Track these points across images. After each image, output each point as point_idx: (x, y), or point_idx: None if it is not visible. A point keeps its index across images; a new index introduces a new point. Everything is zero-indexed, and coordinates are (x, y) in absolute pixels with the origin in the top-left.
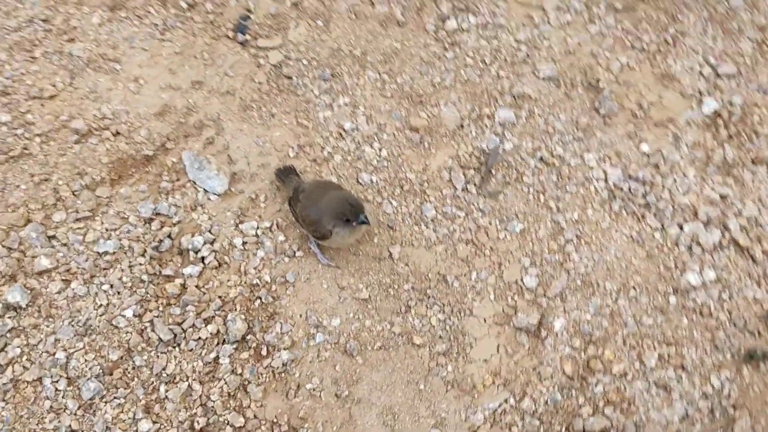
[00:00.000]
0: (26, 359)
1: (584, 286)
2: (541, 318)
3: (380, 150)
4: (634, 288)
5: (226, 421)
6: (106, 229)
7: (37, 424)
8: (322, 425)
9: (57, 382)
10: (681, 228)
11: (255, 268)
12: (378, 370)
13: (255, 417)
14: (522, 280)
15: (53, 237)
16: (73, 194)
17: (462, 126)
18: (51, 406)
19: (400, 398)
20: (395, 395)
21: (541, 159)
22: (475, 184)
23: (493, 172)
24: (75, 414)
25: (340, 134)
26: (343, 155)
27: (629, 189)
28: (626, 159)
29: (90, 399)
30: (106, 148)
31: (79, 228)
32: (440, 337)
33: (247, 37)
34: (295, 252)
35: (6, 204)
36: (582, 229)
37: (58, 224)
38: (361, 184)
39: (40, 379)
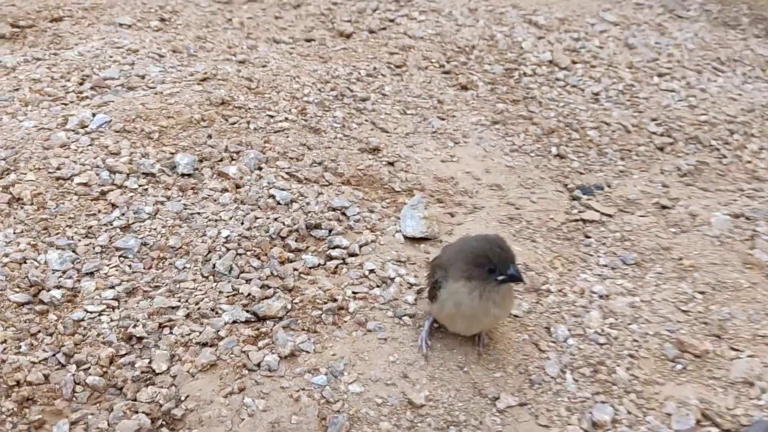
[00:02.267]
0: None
1: None
2: None
3: (610, 327)
4: None
5: (156, 344)
6: (307, 191)
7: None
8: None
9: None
10: None
11: (354, 293)
12: None
13: (172, 377)
14: None
15: (267, 161)
16: (326, 169)
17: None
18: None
19: None
20: None
21: None
22: None
23: None
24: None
25: (581, 295)
26: (563, 299)
27: None
28: None
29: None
30: (371, 163)
31: (284, 176)
32: None
33: (585, 197)
34: (403, 317)
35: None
36: None
37: (275, 166)
38: (550, 334)
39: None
